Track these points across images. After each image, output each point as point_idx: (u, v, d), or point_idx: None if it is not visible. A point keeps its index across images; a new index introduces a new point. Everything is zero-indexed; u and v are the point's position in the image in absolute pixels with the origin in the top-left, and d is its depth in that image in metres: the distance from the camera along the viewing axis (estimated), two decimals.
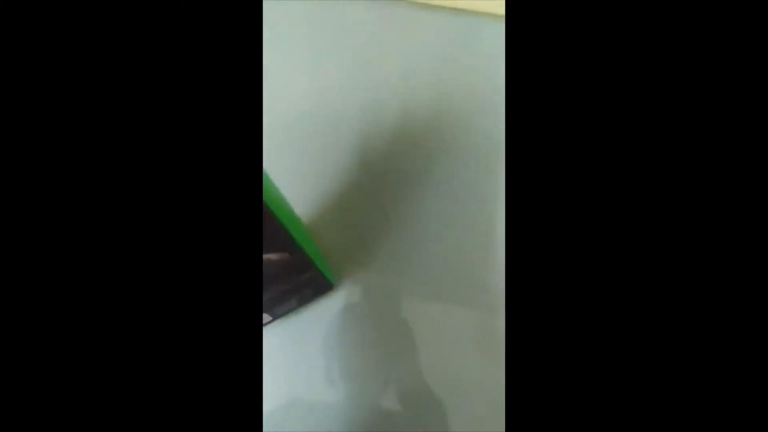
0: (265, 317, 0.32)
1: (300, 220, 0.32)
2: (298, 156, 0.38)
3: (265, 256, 0.24)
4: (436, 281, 0.35)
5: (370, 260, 0.35)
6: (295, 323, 0.34)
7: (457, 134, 0.38)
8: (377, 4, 0.41)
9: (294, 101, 0.39)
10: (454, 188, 0.37)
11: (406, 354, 0.33)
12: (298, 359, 0.33)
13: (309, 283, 0.30)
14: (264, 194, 0.20)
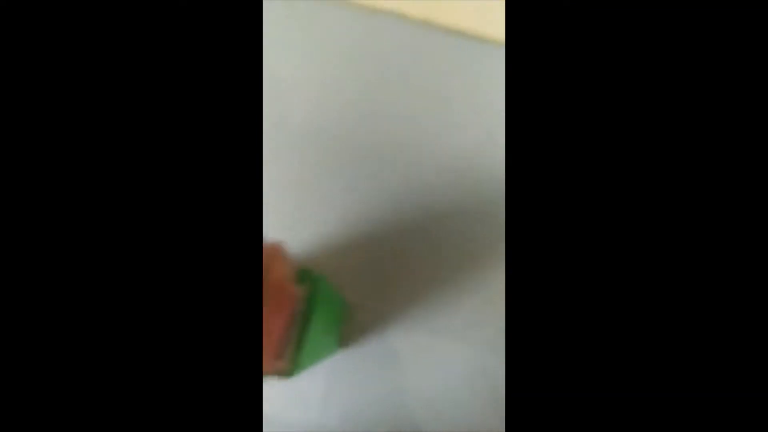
0: None
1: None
2: (289, 172, 0.37)
3: None
4: (430, 313, 0.34)
5: (362, 286, 0.35)
6: None
7: (458, 159, 0.38)
8: (376, 19, 0.40)
9: (293, 114, 0.38)
10: (452, 210, 0.37)
11: (397, 384, 0.33)
12: (293, 386, 0.33)
13: None
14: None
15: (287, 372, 0.21)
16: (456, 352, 0.34)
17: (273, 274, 0.20)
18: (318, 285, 0.23)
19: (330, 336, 0.28)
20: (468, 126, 0.38)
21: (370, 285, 0.35)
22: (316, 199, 0.36)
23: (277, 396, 0.33)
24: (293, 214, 0.36)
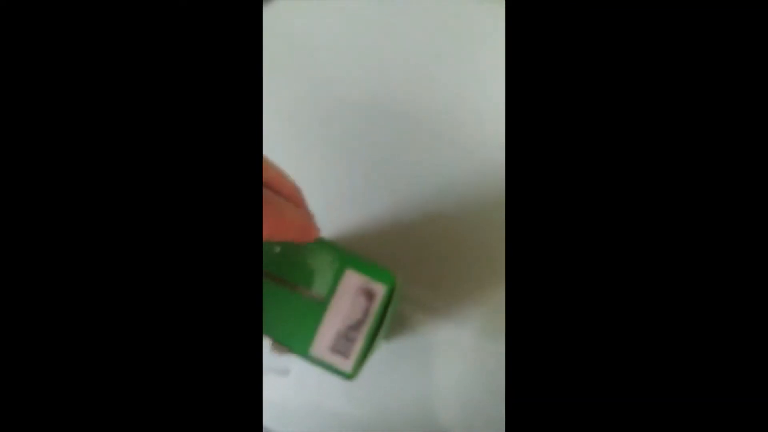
0: None
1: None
2: (302, 148, 0.37)
3: None
4: (437, 292, 0.34)
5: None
6: None
7: (465, 132, 0.37)
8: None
9: (296, 91, 0.38)
10: (459, 188, 0.36)
11: (423, 377, 0.33)
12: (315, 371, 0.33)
13: None
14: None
15: (350, 373, 0.21)
16: (479, 345, 0.33)
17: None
18: (394, 285, 0.22)
19: (384, 332, 0.27)
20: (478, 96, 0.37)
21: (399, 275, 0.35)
22: (337, 191, 0.36)
23: (295, 384, 0.33)
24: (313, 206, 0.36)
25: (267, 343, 0.21)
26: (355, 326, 0.21)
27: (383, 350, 0.33)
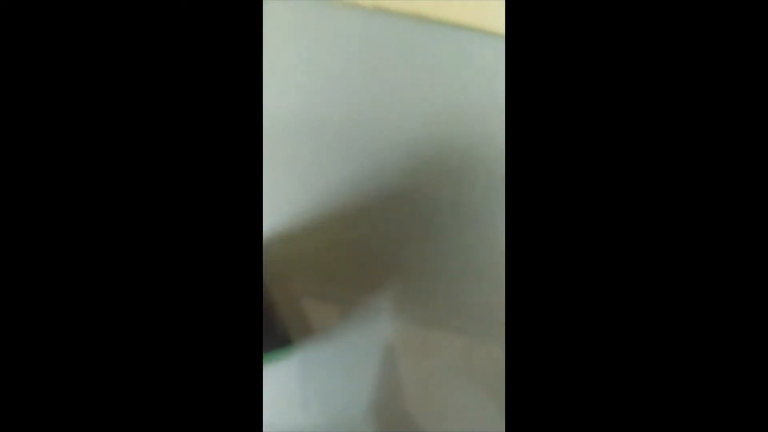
0: None
1: None
2: (288, 165, 0.37)
3: None
4: (424, 303, 0.34)
5: (352, 278, 0.35)
6: None
7: (455, 153, 0.38)
8: (373, 17, 0.40)
9: (285, 112, 0.38)
10: (447, 205, 0.36)
11: (389, 379, 0.33)
12: (272, 382, 0.33)
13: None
14: None
15: None
16: (450, 343, 0.34)
17: None
18: None
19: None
20: (467, 116, 0.38)
21: (359, 278, 0.35)
22: (308, 193, 0.36)
23: (265, 393, 0.33)
24: (287, 208, 0.37)
25: None
26: None
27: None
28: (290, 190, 0.37)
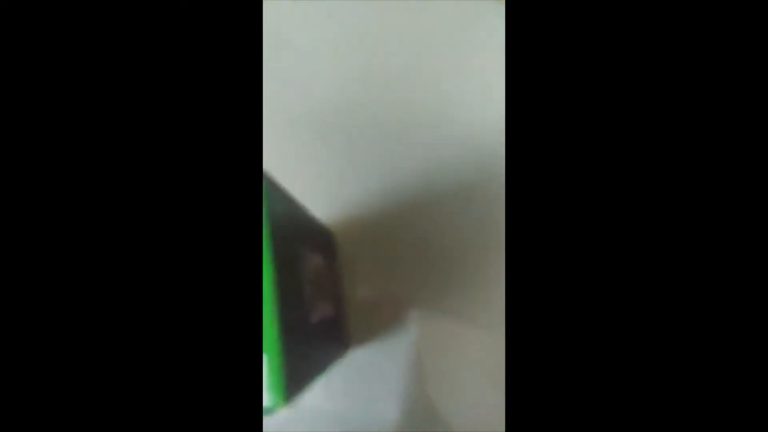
0: None
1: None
2: (311, 156, 0.37)
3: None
4: (440, 294, 0.34)
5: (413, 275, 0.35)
6: None
7: (466, 137, 0.37)
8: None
9: (300, 97, 0.38)
10: (461, 193, 0.36)
11: (408, 369, 0.33)
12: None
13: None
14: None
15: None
16: (467, 335, 0.34)
17: None
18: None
19: None
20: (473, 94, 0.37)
21: (383, 273, 0.35)
22: (324, 187, 0.36)
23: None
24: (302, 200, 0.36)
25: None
26: None
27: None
28: (317, 179, 0.36)
